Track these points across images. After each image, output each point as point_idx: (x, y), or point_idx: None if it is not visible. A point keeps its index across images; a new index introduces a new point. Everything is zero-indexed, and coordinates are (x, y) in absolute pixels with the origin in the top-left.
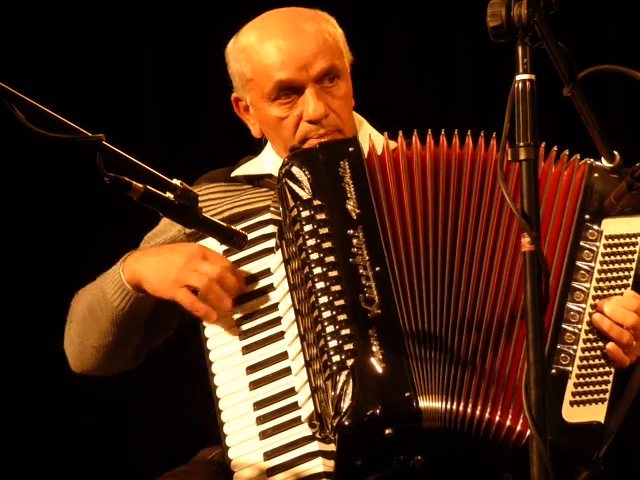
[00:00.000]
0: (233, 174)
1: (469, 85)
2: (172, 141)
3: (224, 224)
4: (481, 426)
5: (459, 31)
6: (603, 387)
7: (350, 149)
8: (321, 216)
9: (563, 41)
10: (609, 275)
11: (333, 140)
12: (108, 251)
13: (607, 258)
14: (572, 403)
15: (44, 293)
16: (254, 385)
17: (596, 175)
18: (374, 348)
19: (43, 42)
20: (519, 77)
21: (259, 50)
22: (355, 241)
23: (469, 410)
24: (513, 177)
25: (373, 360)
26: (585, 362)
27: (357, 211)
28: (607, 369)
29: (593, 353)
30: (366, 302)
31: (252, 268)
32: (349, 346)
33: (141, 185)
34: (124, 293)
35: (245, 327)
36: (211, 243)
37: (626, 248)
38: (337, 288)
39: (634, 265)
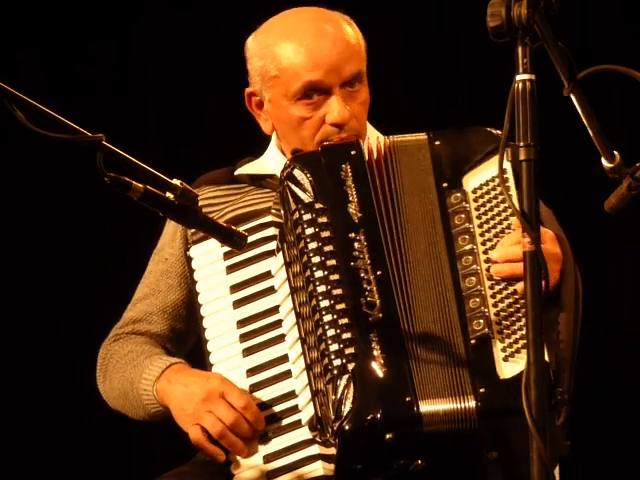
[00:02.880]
0: (236, 173)
1: (469, 85)
2: (172, 141)
3: (224, 224)
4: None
5: (459, 31)
6: None
7: (352, 152)
8: (323, 219)
9: (563, 41)
10: (492, 223)
11: (335, 143)
12: (108, 251)
13: (482, 210)
14: (506, 358)
15: (44, 293)
16: (254, 388)
17: (438, 143)
18: (375, 352)
19: (43, 42)
20: (519, 77)
21: (289, 48)
22: (357, 245)
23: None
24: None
25: (374, 364)
26: (503, 314)
27: (359, 215)
28: None
29: (507, 301)
30: (367, 306)
31: (253, 270)
32: (350, 350)
33: (141, 185)
34: (158, 408)
35: (246, 329)
36: (211, 243)
37: (497, 190)
38: (338, 292)
39: (514, 200)
